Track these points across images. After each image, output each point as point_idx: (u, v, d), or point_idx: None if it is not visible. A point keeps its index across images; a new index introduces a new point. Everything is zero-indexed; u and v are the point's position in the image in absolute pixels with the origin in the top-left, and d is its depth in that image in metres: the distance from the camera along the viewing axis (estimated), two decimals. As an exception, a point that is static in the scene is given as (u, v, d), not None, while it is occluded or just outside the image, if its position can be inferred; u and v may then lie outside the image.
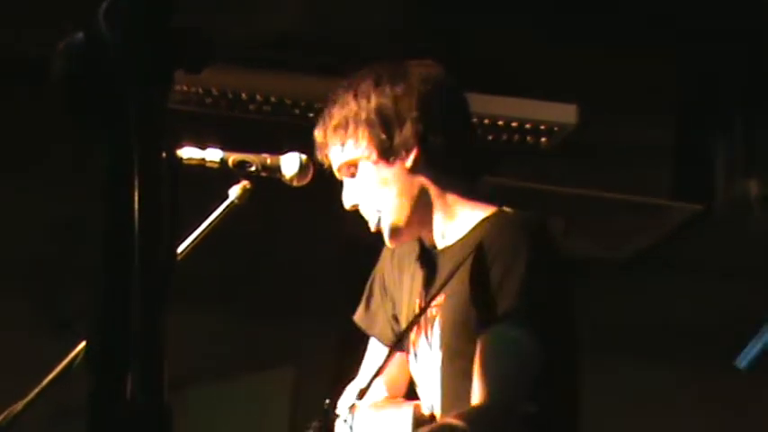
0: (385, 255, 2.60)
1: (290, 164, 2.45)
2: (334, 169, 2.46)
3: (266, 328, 4.87)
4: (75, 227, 3.06)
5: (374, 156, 2.41)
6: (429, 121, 2.44)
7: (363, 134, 2.41)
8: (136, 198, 1.06)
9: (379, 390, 2.56)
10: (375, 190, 2.43)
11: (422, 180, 2.44)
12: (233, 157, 2.46)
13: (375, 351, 2.59)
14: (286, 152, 2.46)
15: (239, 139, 2.58)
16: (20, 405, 2.40)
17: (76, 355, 2.36)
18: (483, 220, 2.42)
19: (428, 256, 2.49)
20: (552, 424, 2.42)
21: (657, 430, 5.18)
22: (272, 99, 3.97)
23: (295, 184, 2.46)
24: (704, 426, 5.25)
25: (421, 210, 2.44)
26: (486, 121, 4.11)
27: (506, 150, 4.28)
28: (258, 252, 4.55)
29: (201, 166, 2.43)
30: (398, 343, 2.53)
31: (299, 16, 3.85)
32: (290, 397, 4.78)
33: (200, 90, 3.92)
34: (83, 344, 2.32)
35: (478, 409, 2.32)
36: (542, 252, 2.39)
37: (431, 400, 2.45)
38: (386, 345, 2.56)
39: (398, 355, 2.56)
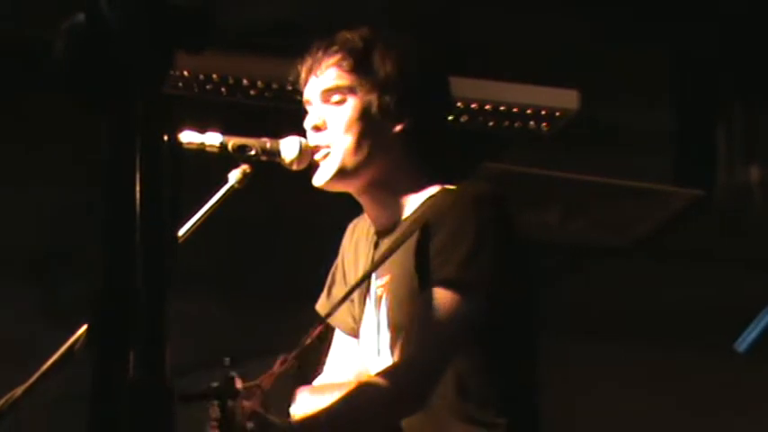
0: (344, 242, 2.58)
1: (289, 148, 2.45)
2: (315, 90, 2.42)
3: (267, 315, 4.88)
4: (76, 213, 3.06)
5: (369, 99, 2.39)
6: (428, 98, 2.46)
7: (371, 73, 2.40)
8: (137, 181, 1.06)
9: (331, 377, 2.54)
10: (347, 126, 2.39)
11: (394, 150, 2.42)
12: (233, 142, 2.46)
13: (337, 339, 2.56)
14: (286, 136, 2.47)
15: (240, 124, 2.58)
16: (20, 390, 2.41)
17: (77, 340, 2.36)
18: (428, 199, 2.40)
19: (377, 240, 2.47)
20: (495, 399, 2.38)
21: (664, 414, 5.19)
22: (273, 85, 3.97)
23: (295, 168, 2.46)
24: (709, 408, 5.27)
25: (373, 171, 2.41)
26: (488, 107, 4.11)
27: (508, 136, 4.28)
28: (258, 238, 4.56)
29: (201, 150, 2.43)
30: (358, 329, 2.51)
31: (300, 1, 3.85)
32: (291, 385, 4.79)
33: (202, 75, 3.92)
34: (83, 329, 2.33)
35: (395, 367, 2.31)
36: (485, 221, 2.34)
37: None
38: (347, 333, 2.54)
39: (353, 342, 2.53)
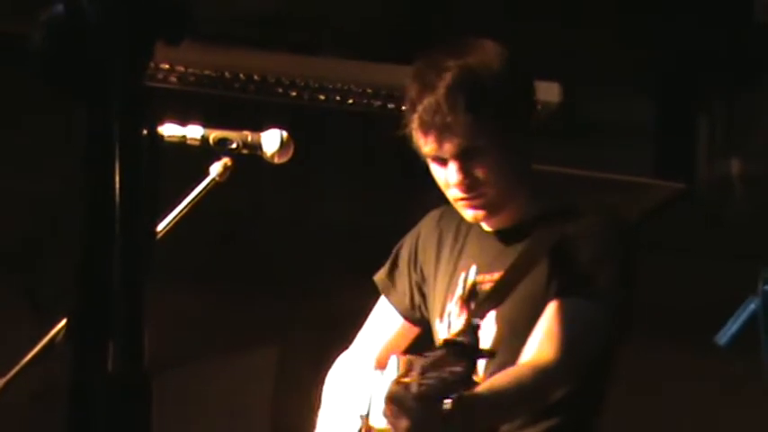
0: (425, 227, 2.62)
1: (270, 141, 2.45)
2: (446, 149, 2.38)
3: (249, 307, 4.87)
4: (55, 204, 3.05)
5: (496, 140, 2.39)
6: (529, 109, 2.54)
7: (488, 116, 2.38)
8: (116, 174, 1.06)
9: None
10: (489, 169, 2.40)
11: (518, 165, 2.48)
12: (214, 135, 2.46)
13: (382, 315, 2.63)
14: (267, 129, 2.47)
15: (222, 117, 2.58)
16: (2, 382, 2.41)
17: (56, 334, 2.36)
18: (558, 210, 2.46)
19: (480, 233, 2.51)
20: (593, 404, 2.52)
21: (650, 410, 5.20)
22: (255, 77, 3.97)
23: (276, 161, 2.46)
24: (692, 403, 5.28)
25: (510, 195, 2.46)
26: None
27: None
28: (241, 230, 4.55)
29: (182, 143, 2.43)
30: (412, 313, 2.60)
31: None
32: (274, 377, 4.76)
33: (183, 68, 3.91)
34: (62, 323, 2.32)
35: (549, 362, 2.33)
36: (633, 249, 2.48)
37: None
38: (399, 312, 2.61)
39: (406, 326, 2.62)
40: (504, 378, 2.32)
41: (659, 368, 5.23)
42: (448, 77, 2.35)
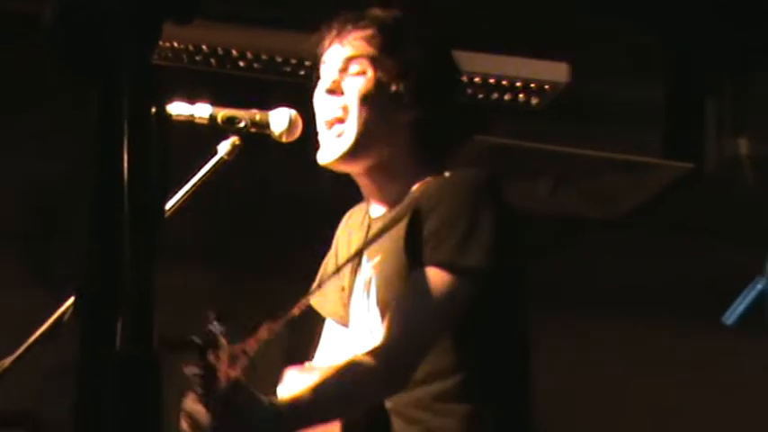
0: (338, 232, 2.56)
1: (279, 120, 2.44)
2: (337, 57, 2.38)
3: (254, 287, 4.87)
4: (65, 183, 3.05)
5: (388, 80, 2.36)
6: (443, 93, 2.46)
7: (395, 55, 2.37)
8: (125, 152, 1.06)
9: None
10: (361, 98, 2.36)
11: (401, 137, 2.40)
12: (222, 113, 2.45)
13: (329, 331, 2.53)
14: (275, 108, 2.46)
15: (230, 95, 2.57)
16: (8, 361, 2.42)
17: (65, 312, 2.36)
18: (421, 184, 2.38)
19: (371, 223, 2.45)
20: (487, 380, 2.36)
21: (651, 386, 5.21)
22: (263, 56, 3.96)
23: (284, 140, 2.45)
24: (698, 381, 5.29)
25: (380, 153, 2.38)
26: (477, 80, 4.10)
27: (498, 109, 4.28)
28: (246, 210, 4.55)
29: (191, 121, 2.43)
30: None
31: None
32: (281, 355, 4.78)
33: (191, 46, 3.91)
34: (70, 301, 2.32)
35: (382, 346, 2.26)
36: (481, 205, 2.31)
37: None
38: (337, 322, 2.50)
39: (343, 331, 2.50)
40: (330, 375, 2.26)
41: (663, 344, 5.23)
42: (380, 16, 2.41)
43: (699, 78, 4.47)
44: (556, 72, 4.04)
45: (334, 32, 2.40)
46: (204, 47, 3.93)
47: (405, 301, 2.29)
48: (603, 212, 4.85)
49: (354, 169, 2.41)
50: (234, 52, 3.95)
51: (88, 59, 1.06)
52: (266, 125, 2.44)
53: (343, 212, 2.59)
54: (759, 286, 2.38)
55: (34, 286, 4.39)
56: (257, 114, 2.45)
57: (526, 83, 4.13)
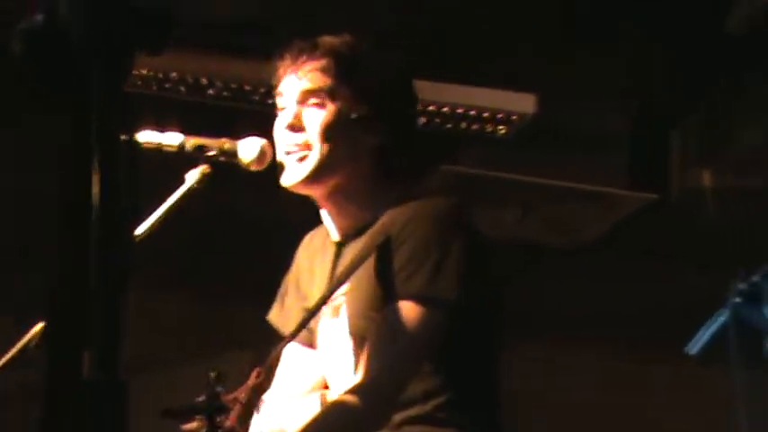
0: (299, 253, 2.55)
1: (248, 149, 2.44)
2: (294, 90, 2.38)
3: (225, 313, 4.85)
4: (33, 207, 3.03)
5: (348, 108, 2.37)
6: (403, 116, 2.47)
7: (353, 82, 2.37)
8: (94, 179, 1.06)
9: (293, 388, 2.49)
10: (323, 131, 2.36)
11: (364, 161, 2.40)
12: (192, 142, 2.44)
13: (292, 353, 2.50)
14: (244, 137, 2.46)
15: (199, 123, 2.57)
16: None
17: (32, 338, 2.35)
18: (392, 212, 2.37)
19: (338, 249, 2.44)
20: (466, 400, 2.37)
21: (614, 410, 5.22)
22: (232, 85, 3.96)
23: (253, 168, 2.44)
24: (661, 405, 5.30)
25: (341, 177, 2.38)
26: (445, 110, 4.12)
27: (466, 138, 4.29)
28: (211, 235, 4.54)
29: (160, 149, 2.42)
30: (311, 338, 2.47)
31: (257, 1, 3.84)
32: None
33: (160, 74, 3.90)
34: (38, 326, 2.31)
35: (362, 385, 2.27)
36: (449, 236, 2.32)
37: (343, 387, 2.37)
38: (302, 344, 2.48)
39: (308, 353, 2.49)
40: (315, 419, 2.29)
41: (628, 370, 5.25)
42: (329, 43, 2.40)
43: (663, 111, 4.50)
44: (523, 103, 4.06)
45: (288, 62, 2.39)
46: (174, 74, 3.93)
47: (381, 337, 2.30)
48: (568, 241, 4.87)
49: (317, 192, 2.41)
50: (203, 80, 3.95)
51: (59, 87, 1.06)
52: (235, 154, 2.44)
53: (302, 236, 2.59)
54: (721, 318, 2.40)
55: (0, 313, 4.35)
56: (227, 143, 2.44)
57: (494, 113, 4.15)
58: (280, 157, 2.40)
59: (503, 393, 2.43)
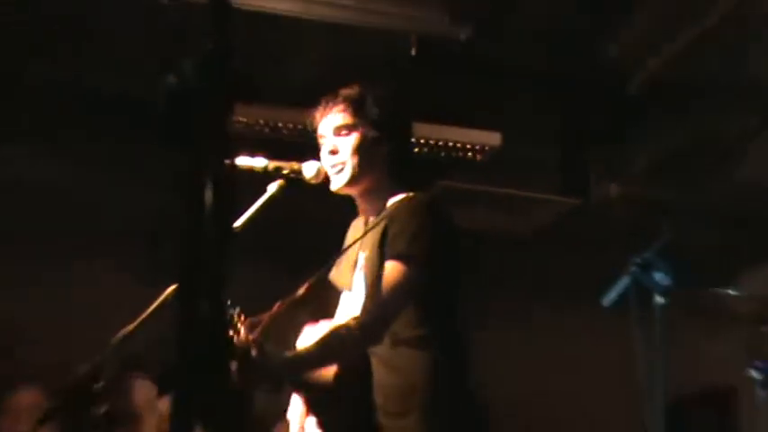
0: (348, 232, 2.55)
1: (309, 169, 2.44)
2: (328, 127, 2.41)
3: (288, 269, 4.80)
4: (171, 212, 3.01)
5: (365, 132, 2.39)
6: (399, 132, 2.48)
7: (365, 115, 2.40)
8: (208, 189, 1.05)
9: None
10: (353, 151, 2.39)
11: (379, 166, 2.42)
12: (272, 164, 2.45)
13: (345, 297, 2.49)
14: (307, 161, 2.46)
15: (276, 153, 2.56)
16: (129, 329, 2.39)
17: (167, 296, 2.34)
18: (395, 202, 2.40)
19: (365, 227, 2.45)
20: (440, 334, 2.33)
21: (553, 355, 5.17)
22: (299, 127, 3.96)
23: (313, 182, 2.45)
24: (581, 346, 5.26)
25: (367, 180, 2.40)
26: (433, 143, 4.11)
27: (451, 163, 4.27)
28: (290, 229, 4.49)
29: (251, 169, 2.42)
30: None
31: (319, 69, 3.82)
32: (300, 323, 4.63)
33: (252, 120, 3.89)
34: (171, 288, 2.30)
35: (361, 315, 2.26)
36: (424, 216, 2.33)
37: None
38: (346, 290, 2.46)
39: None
40: (322, 337, 2.25)
41: (559, 321, 5.21)
42: (343, 92, 2.43)
43: (584, 143, 4.49)
44: (491, 138, 4.04)
45: (321, 110, 2.44)
46: (261, 121, 3.92)
47: (372, 286, 2.30)
48: (520, 230, 4.85)
49: (353, 191, 2.43)
50: (280, 124, 3.94)
51: (183, 128, 1.05)
52: (301, 172, 2.44)
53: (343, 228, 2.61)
54: (624, 281, 2.37)
55: (152, 280, 4.34)
56: (295, 165, 2.44)
57: (472, 145, 4.14)
58: (328, 172, 2.41)
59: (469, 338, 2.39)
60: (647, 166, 4.35)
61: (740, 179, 4.19)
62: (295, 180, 2.44)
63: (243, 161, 2.41)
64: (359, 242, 2.43)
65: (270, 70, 3.55)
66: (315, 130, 2.46)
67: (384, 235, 2.32)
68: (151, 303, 2.36)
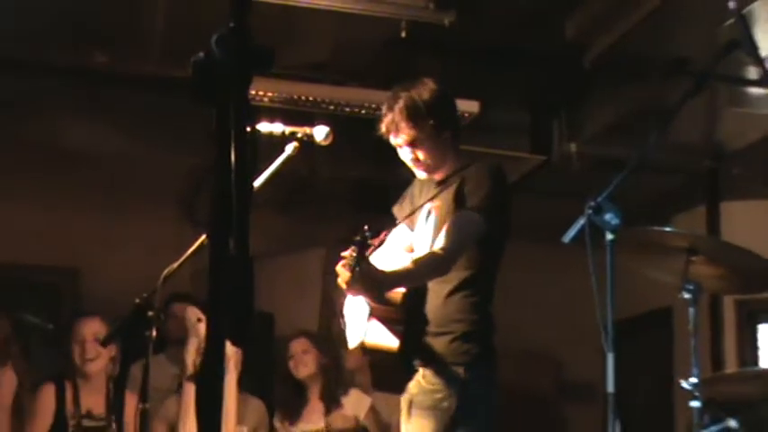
0: (414, 183, 2.61)
1: (320, 132, 2.43)
2: (401, 138, 2.43)
3: (308, 226, 4.81)
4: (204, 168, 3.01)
5: (430, 132, 2.44)
6: (451, 115, 2.52)
7: (425, 118, 2.42)
8: (233, 151, 1.04)
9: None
10: (424, 149, 2.44)
11: (446, 147, 2.48)
12: (288, 129, 2.44)
13: (399, 232, 2.58)
14: (317, 125, 2.44)
15: (292, 119, 2.55)
16: (176, 265, 2.41)
17: (203, 240, 2.35)
18: (464, 166, 2.46)
19: (437, 185, 2.52)
20: (481, 280, 2.42)
21: (517, 283, 5.19)
22: (311, 98, 3.92)
23: (323, 144, 2.45)
24: (545, 279, 5.28)
25: (440, 161, 2.47)
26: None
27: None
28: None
29: (270, 134, 2.41)
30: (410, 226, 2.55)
31: (326, 49, 3.79)
32: (322, 272, 4.64)
33: (271, 93, 3.85)
34: (203, 237, 2.30)
35: (437, 250, 2.34)
36: (496, 181, 2.41)
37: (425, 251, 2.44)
38: (407, 225, 2.56)
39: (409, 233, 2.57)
40: (411, 262, 2.34)
41: (525, 254, 5.22)
42: (400, 102, 2.42)
43: (549, 109, 4.47)
44: (472, 106, 4.01)
45: (386, 125, 2.43)
46: (278, 93, 3.87)
47: (449, 228, 2.35)
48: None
49: (435, 176, 2.51)
50: (294, 96, 3.90)
51: (212, 97, 1.03)
52: (312, 136, 2.43)
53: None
54: (581, 221, 2.37)
55: (188, 225, 4.35)
56: (307, 129, 2.44)
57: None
58: (406, 161, 2.47)
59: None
60: (600, 128, 4.34)
61: (674, 139, 4.19)
62: (307, 143, 2.43)
63: (263, 127, 2.39)
64: (429, 194, 2.50)
65: (285, 50, 3.52)
66: (384, 135, 2.47)
67: (458, 192, 2.40)
68: (191, 246, 2.37)
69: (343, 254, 2.17)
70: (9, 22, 3.46)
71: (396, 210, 2.61)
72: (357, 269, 2.13)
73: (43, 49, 3.70)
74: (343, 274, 2.19)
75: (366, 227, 2.15)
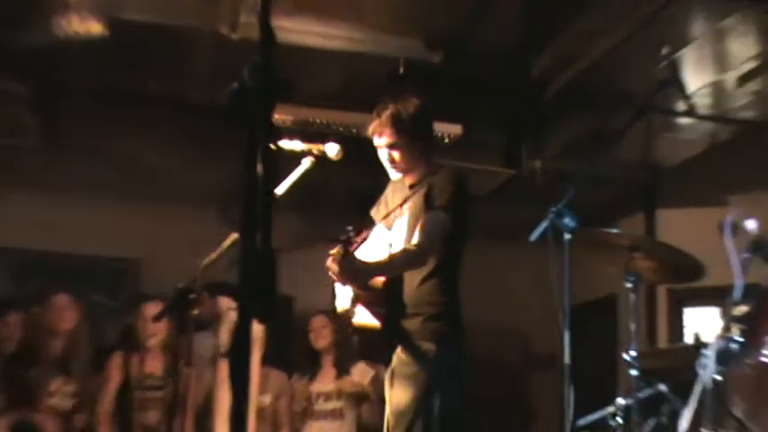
0: (388, 187, 2.57)
1: (332, 149, 2.42)
2: (382, 143, 2.41)
3: (322, 226, 4.76)
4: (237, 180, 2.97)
5: (407, 139, 2.41)
6: (427, 129, 2.48)
7: (405, 127, 2.40)
8: (259, 165, 1.03)
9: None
10: (400, 152, 2.40)
11: (419, 155, 2.44)
12: (305, 146, 2.43)
13: (377, 232, 2.54)
14: (330, 143, 2.43)
15: (308, 138, 2.53)
16: (214, 255, 2.39)
17: (235, 237, 2.33)
18: (432, 172, 2.42)
19: (410, 188, 2.48)
20: (448, 269, 2.37)
21: (487, 278, 5.15)
22: (324, 121, 3.91)
23: (334, 159, 2.43)
24: (513, 276, 5.24)
25: (412, 165, 2.43)
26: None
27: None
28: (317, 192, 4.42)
29: (290, 150, 2.40)
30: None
31: (336, 82, 3.78)
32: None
33: (291, 117, 3.84)
34: (233, 236, 2.28)
35: (413, 245, 2.30)
36: (459, 186, 2.37)
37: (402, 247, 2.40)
38: (384, 226, 2.51)
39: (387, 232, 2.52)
40: (389, 256, 2.32)
41: (494, 258, 5.19)
42: (388, 111, 2.40)
43: (519, 131, 4.45)
44: (455, 129, 4.00)
45: (374, 126, 2.40)
46: (297, 117, 3.85)
47: (423, 226, 2.32)
48: (474, 191, 4.79)
49: (407, 176, 2.46)
50: (310, 119, 3.88)
51: (243, 118, 1.03)
52: (325, 152, 2.42)
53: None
54: (545, 223, 2.34)
55: (224, 225, 4.32)
56: (321, 146, 2.43)
57: (443, 133, 4.06)
58: (384, 163, 2.43)
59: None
60: (560, 148, 4.34)
61: (619, 157, 4.20)
62: (321, 158, 2.42)
63: (284, 144, 2.38)
64: (402, 196, 2.45)
65: (303, 82, 3.52)
66: (370, 136, 2.44)
67: (427, 194, 2.35)
68: (225, 242, 2.35)
69: (331, 251, 2.15)
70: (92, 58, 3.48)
71: (373, 212, 2.57)
72: (344, 262, 2.10)
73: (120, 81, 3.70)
74: (332, 267, 2.18)
75: (350, 227, 2.13)
